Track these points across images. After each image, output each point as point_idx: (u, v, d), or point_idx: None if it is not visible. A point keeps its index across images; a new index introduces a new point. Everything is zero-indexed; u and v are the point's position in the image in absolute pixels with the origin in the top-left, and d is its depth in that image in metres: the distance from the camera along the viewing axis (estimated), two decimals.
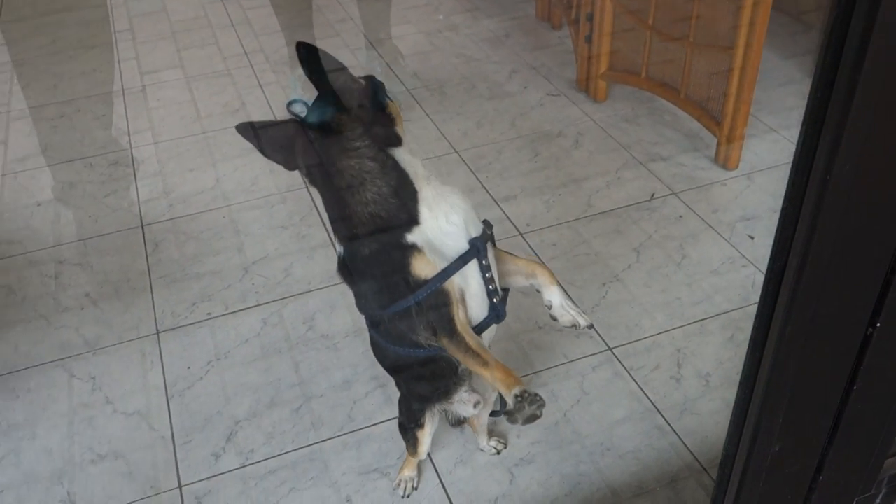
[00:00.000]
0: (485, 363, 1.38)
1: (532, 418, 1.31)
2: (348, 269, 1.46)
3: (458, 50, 3.76)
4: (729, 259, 2.45)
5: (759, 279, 2.34)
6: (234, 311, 2.37)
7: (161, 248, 2.63)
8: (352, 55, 3.75)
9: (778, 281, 1.12)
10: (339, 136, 1.35)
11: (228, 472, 1.92)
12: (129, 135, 3.26)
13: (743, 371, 1.26)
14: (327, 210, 1.44)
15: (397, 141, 1.40)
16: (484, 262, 1.43)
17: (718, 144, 2.85)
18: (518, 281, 1.55)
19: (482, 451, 1.94)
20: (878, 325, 1.19)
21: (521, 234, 2.59)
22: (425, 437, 1.73)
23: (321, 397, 2.09)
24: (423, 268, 1.36)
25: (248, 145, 3.24)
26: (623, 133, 3.08)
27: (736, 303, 2.30)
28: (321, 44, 3.87)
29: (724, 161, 2.85)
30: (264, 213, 2.76)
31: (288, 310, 2.36)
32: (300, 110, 3.62)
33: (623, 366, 2.13)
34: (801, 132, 0.99)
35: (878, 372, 1.25)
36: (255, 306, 2.38)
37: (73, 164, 3.09)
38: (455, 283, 1.39)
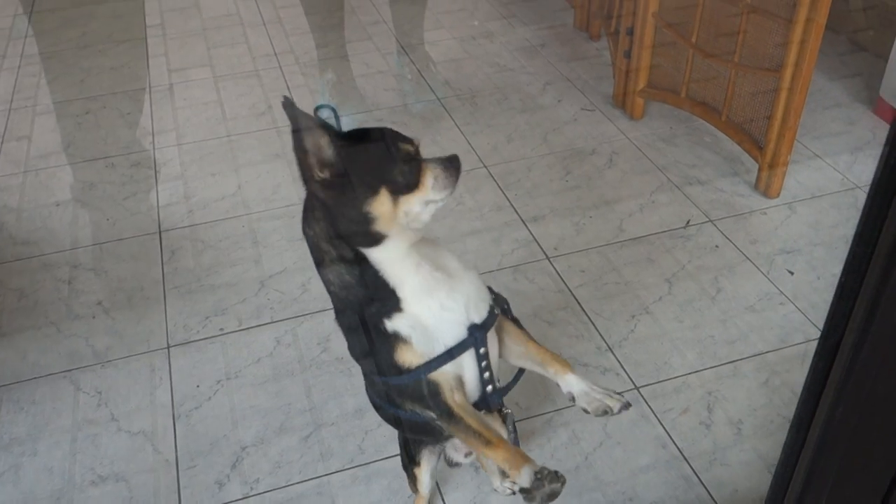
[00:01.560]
0: (487, 443, 1.27)
1: (552, 495, 1.20)
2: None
3: (491, 58, 3.66)
4: (766, 295, 2.33)
5: (798, 318, 2.23)
6: (248, 328, 2.29)
7: (177, 257, 2.56)
8: (383, 59, 3.66)
9: (830, 358, 1.01)
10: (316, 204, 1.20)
11: (232, 502, 1.84)
12: (153, 135, 3.20)
13: (784, 449, 1.15)
14: (318, 245, 1.29)
15: (377, 240, 1.20)
16: (482, 350, 1.31)
17: (760, 170, 2.72)
18: (530, 366, 1.43)
19: (496, 490, 1.85)
20: None
21: (548, 258, 2.48)
22: (423, 474, 1.64)
23: (332, 425, 2.01)
24: (406, 356, 1.25)
25: (271, 151, 3.16)
26: (659, 154, 2.96)
27: (772, 344, 2.17)
28: (351, 47, 3.78)
29: (765, 188, 2.72)
30: (284, 224, 2.68)
31: (303, 329, 2.28)
32: (327, 116, 3.53)
33: (650, 407, 2.02)
34: (867, 199, 0.88)
35: None
36: (269, 323, 2.30)
37: (96, 163, 3.04)
38: (448, 370, 1.28)
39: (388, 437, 1.96)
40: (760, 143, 2.68)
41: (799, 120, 2.56)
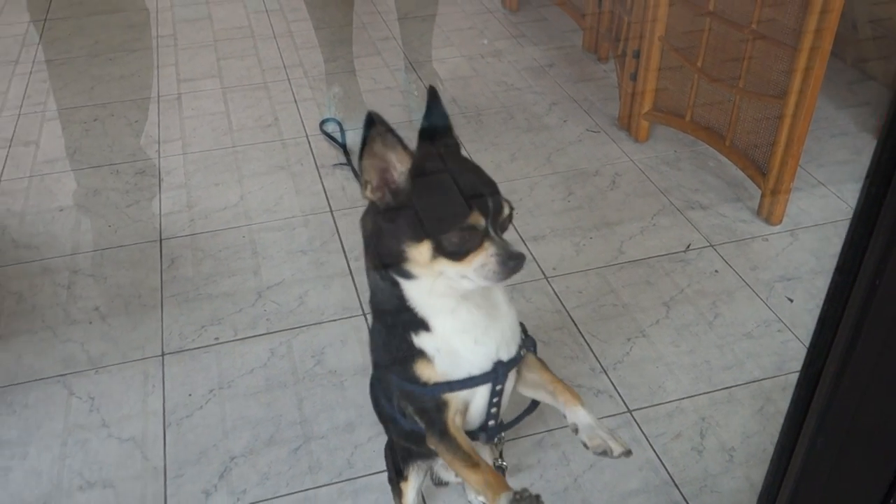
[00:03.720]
0: (472, 465, 1.27)
1: None
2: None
3: (499, 77, 3.67)
4: (765, 322, 2.31)
5: (795, 346, 2.21)
6: (243, 338, 2.29)
7: (177, 265, 2.57)
8: (391, 75, 3.68)
9: (812, 387, 1.00)
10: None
11: None
12: (158, 143, 3.22)
13: (766, 478, 1.14)
14: (367, 244, 1.29)
15: (406, 276, 1.22)
16: (498, 387, 1.31)
17: (762, 197, 2.71)
18: (542, 396, 1.40)
19: (471, 503, 1.84)
20: None
21: (546, 277, 2.48)
22: (409, 489, 1.63)
23: (322, 439, 2.00)
24: (426, 372, 1.26)
25: (276, 162, 3.16)
26: (662, 177, 2.96)
27: (768, 371, 2.16)
28: (360, 63, 3.78)
29: (767, 215, 2.71)
30: (285, 236, 2.68)
31: (298, 341, 2.28)
32: (333, 129, 3.53)
33: (642, 431, 2.00)
34: (848, 233, 0.88)
35: None
36: (264, 334, 2.30)
37: (101, 170, 3.06)
38: (460, 395, 1.29)
39: (377, 453, 1.95)
40: (764, 170, 2.68)
41: (802, 147, 2.56)
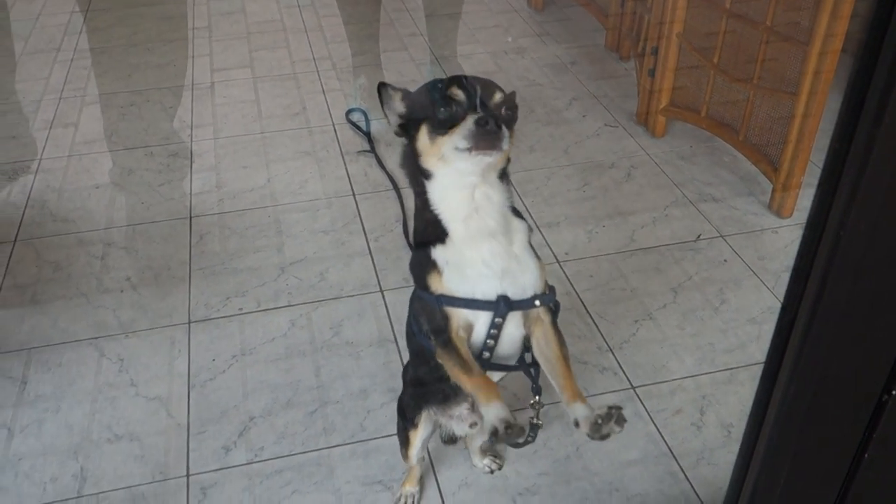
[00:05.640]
0: (469, 371, 1.34)
1: (513, 446, 1.26)
2: None
3: (521, 73, 3.76)
4: (769, 309, 2.38)
5: None
6: (265, 310, 2.40)
7: (205, 241, 2.69)
8: (416, 69, 3.78)
9: (786, 336, 1.08)
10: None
11: (236, 466, 1.94)
12: (191, 128, 3.35)
13: (746, 427, 1.22)
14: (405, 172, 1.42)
15: (426, 176, 1.34)
16: (498, 320, 1.37)
17: (774, 191, 2.77)
18: (552, 379, 1.43)
19: (475, 466, 1.92)
20: (894, 392, 1.14)
21: (558, 261, 2.56)
22: (417, 439, 1.70)
23: (337, 403, 2.10)
24: (434, 282, 1.37)
25: (302, 148, 3.28)
26: (677, 170, 3.03)
27: None
28: (386, 57, 3.89)
29: (777, 208, 2.77)
30: (308, 217, 2.79)
31: (317, 313, 2.38)
32: (358, 118, 3.64)
33: (644, 406, 2.08)
34: (817, 187, 0.96)
35: (893, 443, 1.19)
36: (285, 306, 2.41)
37: (135, 151, 3.20)
38: (463, 314, 1.37)
39: (388, 418, 2.05)
40: (775, 164, 2.74)
41: (813, 143, 2.62)
